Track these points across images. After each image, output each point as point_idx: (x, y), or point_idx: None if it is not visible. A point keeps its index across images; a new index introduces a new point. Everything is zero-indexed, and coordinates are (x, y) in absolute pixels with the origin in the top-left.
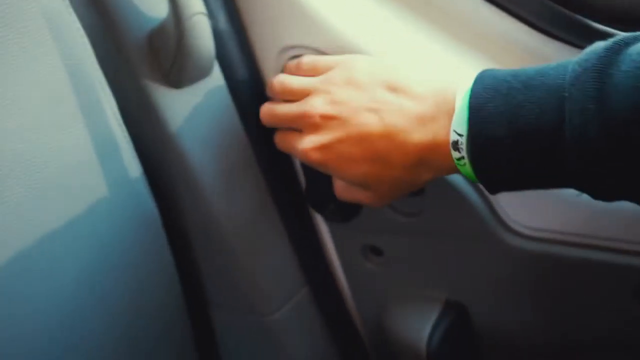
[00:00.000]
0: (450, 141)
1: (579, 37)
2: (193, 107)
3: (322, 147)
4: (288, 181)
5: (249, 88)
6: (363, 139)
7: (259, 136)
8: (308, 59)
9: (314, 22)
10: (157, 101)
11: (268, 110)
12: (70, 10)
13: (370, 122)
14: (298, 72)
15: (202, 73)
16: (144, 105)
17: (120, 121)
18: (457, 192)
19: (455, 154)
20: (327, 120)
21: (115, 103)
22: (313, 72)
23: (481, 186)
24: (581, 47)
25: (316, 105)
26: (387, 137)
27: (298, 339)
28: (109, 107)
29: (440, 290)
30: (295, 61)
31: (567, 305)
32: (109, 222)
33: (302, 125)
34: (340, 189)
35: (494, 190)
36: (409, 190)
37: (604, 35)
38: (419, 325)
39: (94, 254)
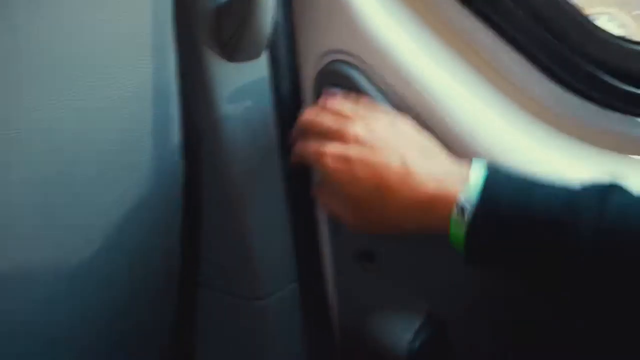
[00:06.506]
0: (458, 202)
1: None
2: (237, 82)
3: (342, 158)
4: (303, 177)
5: (286, 83)
6: (382, 167)
7: (285, 130)
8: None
9: (361, 29)
10: (209, 68)
11: (310, 116)
12: None
13: (394, 160)
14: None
15: (255, 51)
16: (197, 69)
17: (175, 74)
18: None
19: (456, 214)
20: (359, 142)
21: (176, 58)
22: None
23: None
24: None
25: (355, 127)
26: (403, 174)
27: (275, 330)
28: (171, 59)
29: (424, 301)
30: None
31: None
32: (135, 168)
33: (334, 138)
34: (326, 196)
35: (472, 259)
36: (385, 230)
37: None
38: (402, 334)
39: (114, 197)
